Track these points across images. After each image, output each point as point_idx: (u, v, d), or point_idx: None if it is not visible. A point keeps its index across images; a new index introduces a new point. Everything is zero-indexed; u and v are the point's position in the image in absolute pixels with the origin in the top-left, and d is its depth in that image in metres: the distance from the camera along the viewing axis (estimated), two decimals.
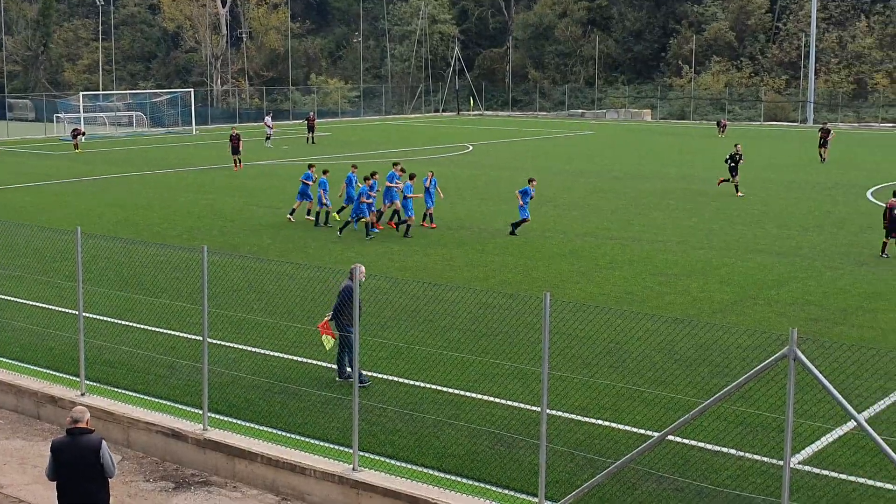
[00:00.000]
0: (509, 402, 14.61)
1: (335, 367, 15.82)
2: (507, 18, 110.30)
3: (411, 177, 30.26)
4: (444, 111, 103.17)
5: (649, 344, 17.07)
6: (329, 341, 15.07)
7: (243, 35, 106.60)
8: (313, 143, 62.87)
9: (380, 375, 15.72)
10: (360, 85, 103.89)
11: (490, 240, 28.57)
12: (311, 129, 64.14)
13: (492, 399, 14.74)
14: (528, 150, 60.07)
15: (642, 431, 13.31)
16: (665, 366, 16.24)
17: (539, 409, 11.45)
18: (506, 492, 11.74)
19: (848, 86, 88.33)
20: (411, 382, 15.49)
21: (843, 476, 12.02)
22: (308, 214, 32.08)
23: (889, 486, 11.69)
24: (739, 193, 37.79)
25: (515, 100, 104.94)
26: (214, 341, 16.56)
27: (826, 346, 16.27)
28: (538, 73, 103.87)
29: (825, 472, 12.14)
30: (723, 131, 71.20)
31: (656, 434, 10.67)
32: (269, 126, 64.25)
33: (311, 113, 69.01)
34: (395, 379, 15.59)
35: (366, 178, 29.27)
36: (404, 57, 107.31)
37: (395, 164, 31.38)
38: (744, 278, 23.44)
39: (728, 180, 38.60)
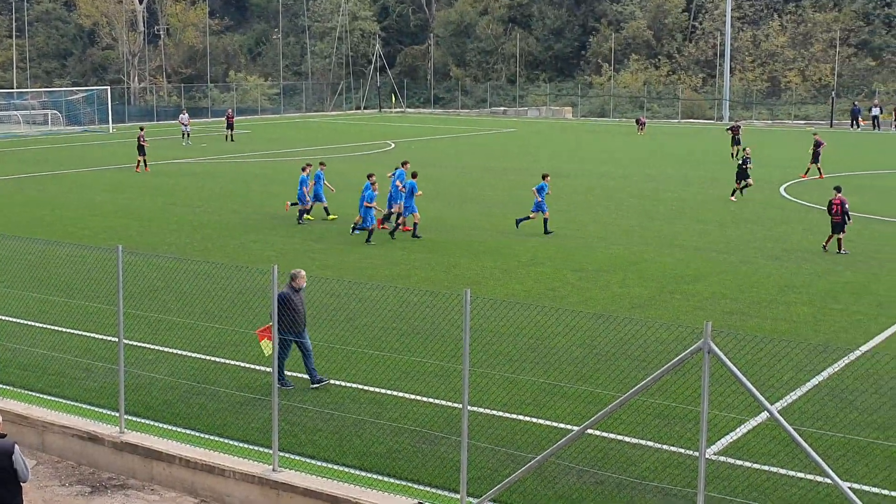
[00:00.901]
0: (431, 400, 14.62)
1: (269, 369, 15.41)
2: (428, 16, 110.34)
3: (414, 175, 29.46)
4: (365, 108, 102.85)
5: (570, 339, 17.21)
6: (269, 347, 14.55)
7: (161, 32, 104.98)
8: (232, 140, 62.19)
9: (301, 375, 15.60)
10: (279, 82, 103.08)
11: (406, 237, 28.53)
12: (230, 126, 63.42)
13: (414, 397, 14.73)
14: (451, 147, 60.18)
15: (563, 426, 13.41)
16: (586, 360, 16.40)
17: (461, 405, 11.46)
18: (428, 489, 11.74)
19: (762, 84, 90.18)
20: (332, 381, 15.40)
21: (757, 466, 12.25)
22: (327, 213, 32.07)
23: (801, 474, 11.95)
24: (733, 198, 36.32)
25: (437, 97, 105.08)
26: (131, 342, 16.29)
27: (741, 338, 16.56)
28: (460, 71, 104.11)
29: (740, 462, 12.36)
30: (642, 129, 72.20)
31: (577, 428, 10.76)
32: (184, 124, 63.21)
33: (230, 110, 68.27)
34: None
35: (373, 184, 28.22)
36: (325, 54, 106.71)
37: (404, 164, 30.74)
38: (662, 273, 23.77)
39: (743, 187, 36.65)
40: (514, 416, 13.98)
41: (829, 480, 9.42)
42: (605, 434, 13.15)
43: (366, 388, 15.14)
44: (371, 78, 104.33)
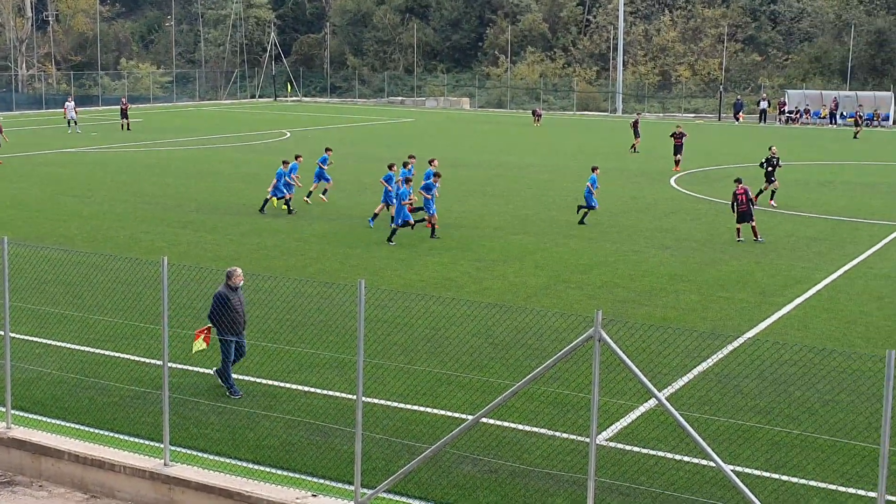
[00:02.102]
0: (326, 392, 14.56)
1: (159, 363, 15.00)
2: (324, 4, 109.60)
3: (437, 175, 28.19)
4: (260, 97, 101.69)
5: (466, 329, 17.34)
6: (200, 346, 14.01)
7: (50, 18, 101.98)
8: (128, 129, 60.80)
9: (193, 369, 15.38)
10: (172, 70, 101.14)
11: (307, 228, 28.36)
12: (124, 114, 61.97)
13: (308, 389, 14.65)
14: (348, 137, 59.89)
15: (458, 415, 13.50)
16: (482, 350, 16.53)
17: (355, 397, 11.44)
18: (322, 481, 11.70)
19: (654, 77, 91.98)
20: None
21: (646, 450, 12.53)
22: (323, 194, 32.56)
23: (687, 458, 12.26)
24: (772, 202, 33.40)
25: (334, 86, 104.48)
26: (18, 336, 15.85)
27: (631, 326, 16.90)
28: (357, 60, 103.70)
29: (629, 448, 12.63)
30: (538, 120, 72.97)
31: (471, 417, 10.85)
32: (70, 112, 61.34)
33: (124, 98, 66.73)
34: (208, 371, 15.27)
35: (407, 181, 27.08)
36: (219, 42, 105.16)
37: (430, 162, 30.30)
38: (557, 263, 24.09)
39: (763, 190, 33.66)
40: (409, 406, 14.02)
41: (713, 464, 9.68)
42: (499, 422, 13.28)
43: (259, 380, 15.00)
44: (266, 66, 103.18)
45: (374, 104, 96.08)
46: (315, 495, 11.25)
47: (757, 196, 31.50)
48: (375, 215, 29.09)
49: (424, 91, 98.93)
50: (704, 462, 11.96)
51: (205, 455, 12.31)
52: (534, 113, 75.08)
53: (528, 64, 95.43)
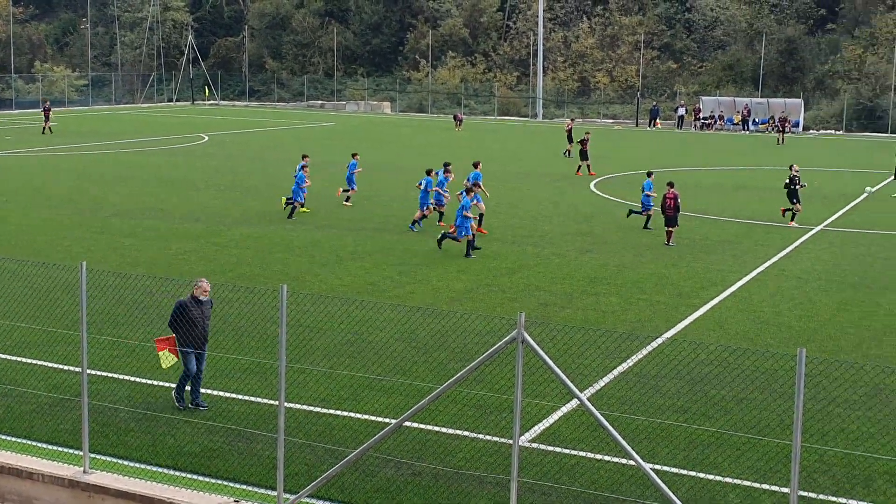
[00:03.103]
0: (248, 398, 14.46)
1: (78, 370, 14.79)
2: (242, 7, 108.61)
3: (467, 191, 26.54)
4: (178, 101, 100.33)
5: (389, 333, 17.38)
6: (168, 359, 13.66)
7: None
8: (50, 132, 59.47)
9: (112, 375, 15.15)
10: (88, 73, 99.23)
11: (226, 233, 28.09)
12: (47, 117, 60.63)
13: (229, 395, 14.53)
14: (267, 141, 59.45)
15: (382, 419, 13.52)
16: (405, 354, 16.56)
17: (277, 402, 11.39)
18: (245, 487, 11.62)
19: (573, 83, 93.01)
20: (145, 381, 15.03)
21: (568, 451, 12.70)
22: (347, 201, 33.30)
23: (608, 457, 12.45)
24: (793, 223, 31.63)
25: (253, 90, 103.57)
26: None
27: (553, 328, 17.12)
28: (276, 63, 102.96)
29: (552, 448, 12.78)
30: (459, 125, 73.26)
31: (395, 421, 10.88)
32: None
33: (48, 101, 65.34)
34: (128, 378, 15.06)
35: (468, 190, 26.37)
36: (135, 44, 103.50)
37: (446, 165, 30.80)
38: (479, 266, 24.23)
39: (790, 209, 32.10)
40: (332, 411, 13.99)
41: (633, 462, 9.85)
42: (422, 426, 13.33)
43: None
44: (183, 70, 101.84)
45: (293, 108, 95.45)
46: (238, 501, 11.18)
47: (784, 212, 31.90)
48: (415, 221, 29.42)
49: (345, 95, 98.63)
50: (624, 461, 12.16)
51: (125, 462, 12.15)
52: (455, 118, 75.35)
53: (449, 69, 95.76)
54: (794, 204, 31.91)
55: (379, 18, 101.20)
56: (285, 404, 11.11)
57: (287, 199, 31.63)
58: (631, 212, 31.05)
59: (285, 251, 25.62)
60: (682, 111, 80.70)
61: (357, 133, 68.05)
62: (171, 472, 11.93)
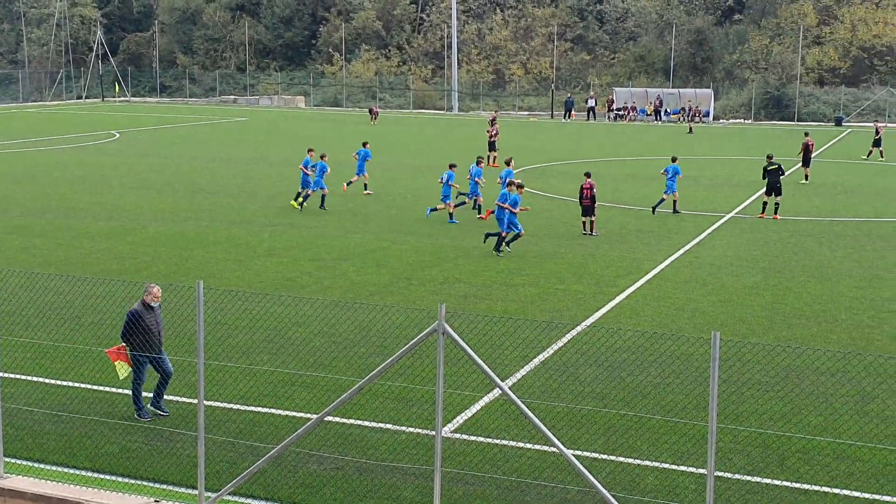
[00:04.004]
0: (167, 396, 14.19)
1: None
2: (152, 2, 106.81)
3: (519, 186, 26.15)
4: (87, 98, 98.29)
5: (309, 329, 17.28)
6: (124, 369, 13.24)
7: None
8: None
9: (25, 377, 14.80)
10: None
11: (141, 231, 27.62)
12: None
13: (147, 394, 14.27)
14: (180, 137, 58.60)
15: (303, 415, 13.44)
16: (325, 349, 16.49)
17: (196, 400, 11.26)
18: (165, 486, 11.46)
19: (488, 76, 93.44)
20: (59, 383, 14.71)
21: (491, 440, 12.77)
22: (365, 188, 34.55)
23: (530, 445, 12.57)
24: (776, 216, 31.04)
25: (164, 85, 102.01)
26: None
27: (474, 319, 17.20)
28: (187, 59, 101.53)
29: (475, 438, 12.85)
30: (374, 119, 73.07)
31: (316, 416, 10.82)
32: None
33: None
34: (42, 380, 14.73)
35: (510, 184, 25.96)
36: (43, 41, 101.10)
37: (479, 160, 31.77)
38: (399, 260, 24.22)
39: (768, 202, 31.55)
40: (252, 408, 13.87)
41: (555, 449, 9.95)
42: (344, 420, 13.29)
43: (95, 387, 14.55)
44: (93, 66, 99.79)
45: (206, 103, 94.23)
46: (158, 501, 11.02)
47: (763, 211, 31.26)
48: (451, 214, 30.05)
49: (258, 90, 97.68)
50: (546, 448, 12.28)
51: (41, 465, 11.89)
52: (370, 111, 75.15)
53: (364, 62, 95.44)
54: (772, 196, 31.26)
55: (291, 12, 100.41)
56: (205, 402, 10.98)
57: (300, 194, 32.09)
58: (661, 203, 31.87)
59: (201, 248, 25.29)
60: (591, 102, 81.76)
61: (270, 128, 67.45)
62: (90, 474, 11.71)
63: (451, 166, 30.76)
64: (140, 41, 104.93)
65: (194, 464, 11.42)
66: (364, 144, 36.12)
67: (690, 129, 68.93)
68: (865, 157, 51.38)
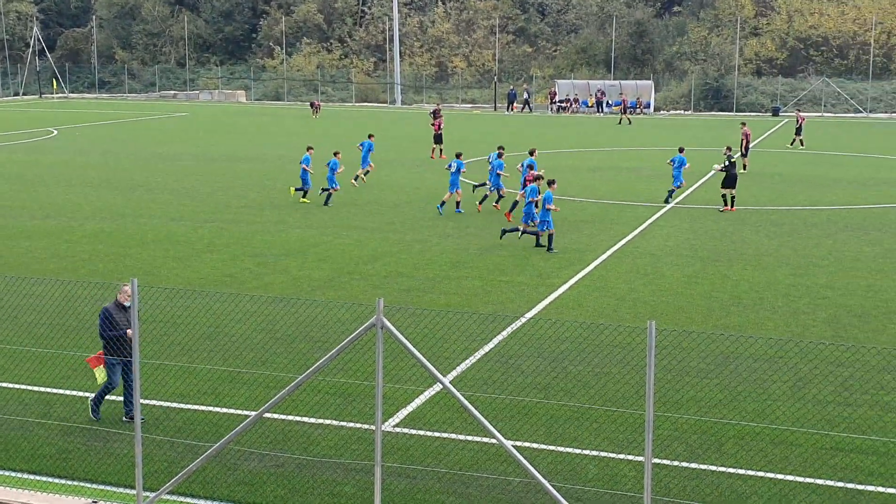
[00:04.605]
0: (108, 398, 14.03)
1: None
2: None
3: (550, 182, 25.78)
4: (24, 95, 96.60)
5: (249, 325, 17.14)
6: (102, 373, 12.89)
7: None
8: None
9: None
10: None
11: (79, 228, 27.21)
12: None
13: (84, 394, 14.07)
14: (119, 133, 57.82)
15: (243, 412, 13.33)
16: (266, 345, 16.37)
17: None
18: (103, 487, 11.31)
19: (431, 69, 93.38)
20: None
21: (434, 434, 12.77)
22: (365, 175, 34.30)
23: (472, 437, 12.59)
24: (732, 208, 31.06)
25: (103, 81, 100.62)
26: None
27: (417, 313, 17.18)
28: (126, 54, 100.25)
29: (417, 432, 12.83)
30: (316, 112, 72.69)
31: (255, 413, 10.74)
32: None
33: None
34: None
35: (550, 182, 25.69)
36: None
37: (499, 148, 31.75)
38: (340, 255, 24.12)
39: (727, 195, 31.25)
40: (191, 406, 13.72)
41: (496, 441, 9.97)
42: (285, 417, 13.21)
43: (32, 388, 14.30)
44: (30, 62, 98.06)
45: (145, 99, 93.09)
46: (96, 502, 10.87)
47: (728, 204, 30.78)
48: (458, 203, 30.53)
49: (198, 84, 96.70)
50: (489, 440, 12.31)
51: None
52: (312, 105, 74.76)
53: (305, 55, 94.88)
54: (728, 188, 31.02)
55: (231, 6, 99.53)
56: (142, 401, 10.85)
57: (322, 189, 32.22)
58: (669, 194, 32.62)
59: (140, 246, 24.98)
60: (525, 95, 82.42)
61: (211, 123, 66.82)
62: (26, 476, 11.52)
63: (458, 155, 31.07)
64: (78, 37, 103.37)
65: (132, 464, 11.27)
66: (369, 136, 37.52)
67: (620, 120, 69.55)
68: (789, 144, 52.43)
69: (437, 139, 46.26)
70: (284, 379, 14.28)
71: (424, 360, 9.85)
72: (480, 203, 31.13)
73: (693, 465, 11.84)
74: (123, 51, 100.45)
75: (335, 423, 13.14)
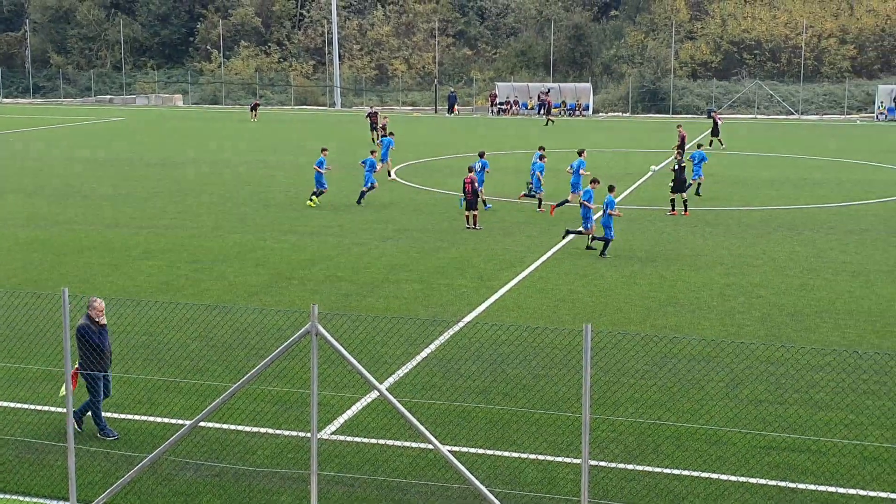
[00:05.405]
0: (38, 407, 13.79)
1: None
2: (23, 1, 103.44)
3: (610, 188, 25.51)
4: None
5: (185, 333, 16.92)
6: (65, 389, 12.47)
7: None
8: None
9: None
10: None
11: (12, 236, 26.71)
12: None
13: (16, 405, 13.82)
14: (54, 138, 56.87)
15: (179, 421, 13.16)
16: (202, 353, 16.19)
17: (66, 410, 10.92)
18: (36, 500, 11.11)
19: (370, 71, 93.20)
20: None
21: (373, 440, 12.71)
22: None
23: (411, 444, 12.55)
24: (686, 213, 30.83)
25: (37, 86, 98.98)
26: None
27: (356, 318, 17.09)
28: (61, 58, 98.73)
29: (355, 439, 12.76)
30: (255, 116, 72.19)
31: (189, 423, 10.60)
32: None
33: None
34: None
35: (610, 188, 25.45)
36: None
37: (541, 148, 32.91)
38: (278, 260, 23.94)
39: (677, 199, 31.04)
40: (126, 416, 13.52)
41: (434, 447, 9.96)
42: (221, 425, 13.06)
43: None
44: None
45: (81, 104, 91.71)
46: None
47: (685, 209, 30.64)
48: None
49: (134, 89, 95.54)
50: (427, 446, 12.27)
51: None
52: (253, 108, 74.23)
53: (243, 59, 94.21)
54: (678, 193, 30.74)
55: (167, 9, 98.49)
56: (74, 411, 10.65)
57: (315, 192, 32.48)
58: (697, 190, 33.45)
59: (74, 253, 24.58)
60: (452, 98, 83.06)
61: (147, 127, 66.03)
62: None
63: (481, 154, 31.71)
64: (11, 41, 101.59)
65: (66, 476, 11.08)
66: (390, 134, 39.81)
67: (547, 121, 70.07)
68: (708, 145, 53.24)
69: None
70: (220, 388, 14.11)
71: (360, 367, 9.81)
72: (540, 206, 31.64)
73: (630, 467, 11.93)
74: (58, 55, 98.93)
75: (272, 431, 13.03)
